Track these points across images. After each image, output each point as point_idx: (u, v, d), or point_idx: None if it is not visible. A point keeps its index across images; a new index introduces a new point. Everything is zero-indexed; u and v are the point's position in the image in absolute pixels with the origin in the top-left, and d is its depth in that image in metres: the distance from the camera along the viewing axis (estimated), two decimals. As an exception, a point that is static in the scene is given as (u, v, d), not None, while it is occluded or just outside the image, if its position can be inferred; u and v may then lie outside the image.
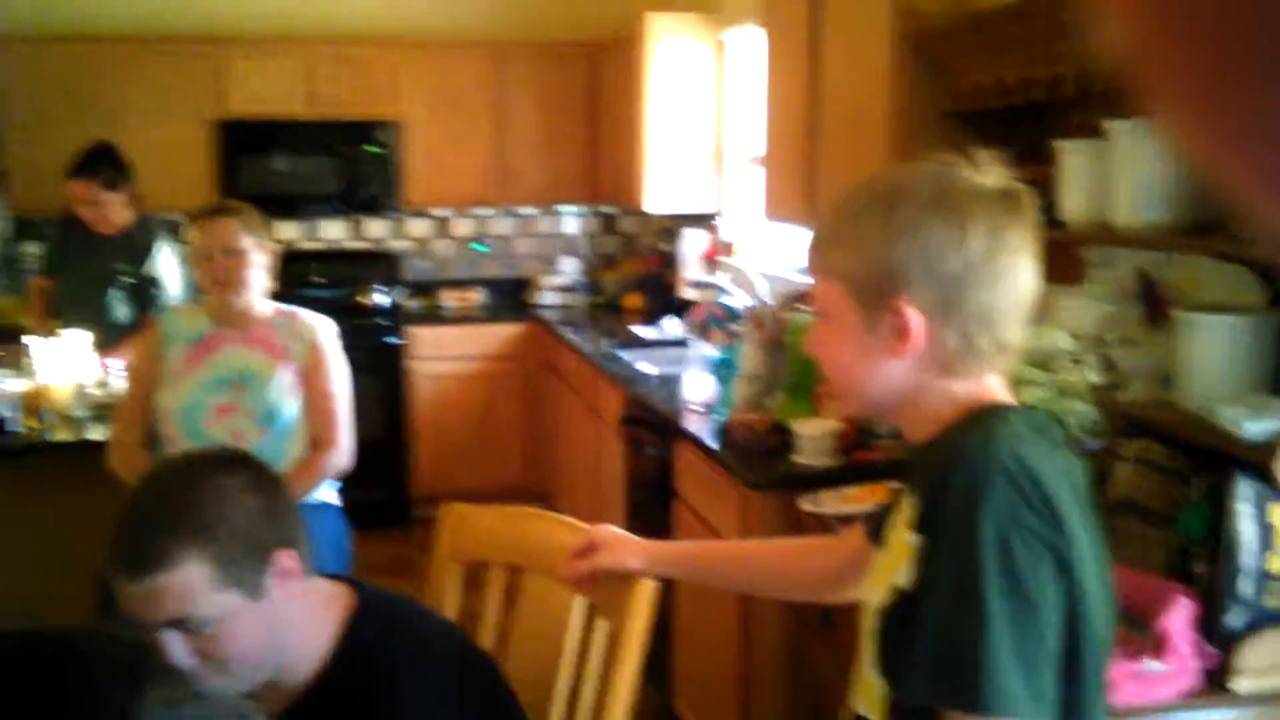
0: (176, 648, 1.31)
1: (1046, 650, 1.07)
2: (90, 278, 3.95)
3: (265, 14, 5.52)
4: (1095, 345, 2.15)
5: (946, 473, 1.13)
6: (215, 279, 2.86)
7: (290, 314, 2.98)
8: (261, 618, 1.36)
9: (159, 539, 1.30)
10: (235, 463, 1.44)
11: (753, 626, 2.77)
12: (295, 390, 2.90)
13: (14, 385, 3.25)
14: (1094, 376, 2.07)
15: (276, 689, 1.43)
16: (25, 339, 3.37)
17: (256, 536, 1.37)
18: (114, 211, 3.94)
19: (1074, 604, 1.09)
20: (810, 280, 1.29)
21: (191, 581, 1.30)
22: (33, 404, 3.25)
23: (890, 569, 1.19)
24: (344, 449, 2.92)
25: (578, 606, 1.79)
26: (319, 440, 2.90)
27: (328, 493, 2.99)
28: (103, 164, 3.92)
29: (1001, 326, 1.18)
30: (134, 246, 3.97)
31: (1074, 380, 2.03)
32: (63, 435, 3.22)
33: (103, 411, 3.28)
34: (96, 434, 3.14)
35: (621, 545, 1.68)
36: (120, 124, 5.13)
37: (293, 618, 1.41)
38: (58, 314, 3.94)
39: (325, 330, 2.97)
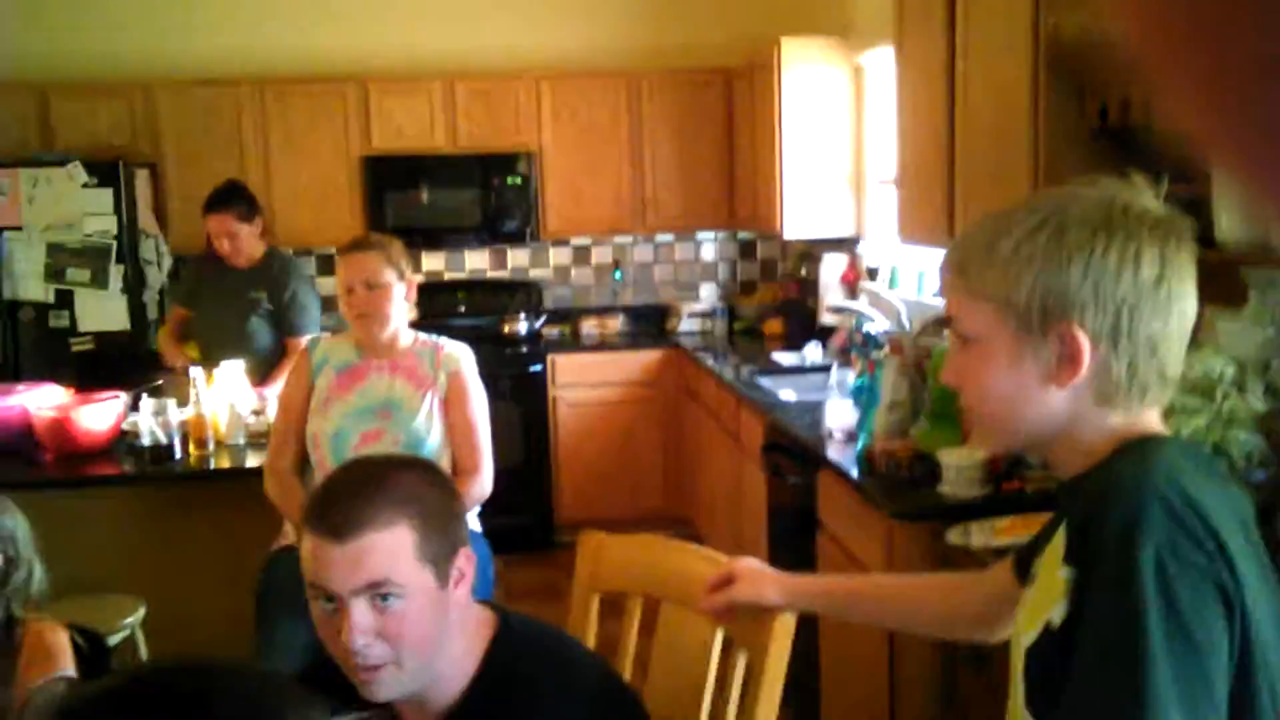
0: (362, 620, 1.33)
1: (1214, 698, 1.00)
2: (229, 309, 4.15)
3: (407, 52, 5.69)
4: (1258, 371, 2.04)
5: (1101, 504, 1.08)
6: (358, 311, 2.94)
7: (433, 344, 3.05)
8: (440, 609, 1.39)
9: (374, 500, 1.36)
10: (420, 461, 1.52)
11: (902, 662, 2.70)
12: (438, 418, 2.96)
13: (179, 415, 3.40)
14: (1258, 403, 1.96)
15: (421, 708, 1.45)
16: (191, 371, 3.52)
17: (449, 524, 1.42)
18: (248, 243, 4.15)
19: (1244, 647, 1.02)
20: (950, 303, 1.24)
21: (398, 546, 1.34)
22: (196, 432, 3.39)
23: (1041, 606, 1.15)
24: (485, 476, 2.97)
25: (716, 639, 1.77)
26: (461, 468, 2.95)
27: (470, 519, 3.04)
28: (236, 198, 4.14)
29: (1166, 357, 1.13)
30: (267, 277, 4.18)
31: (1237, 408, 1.93)
32: (223, 462, 3.35)
33: (260, 439, 3.40)
34: (254, 460, 3.26)
35: (759, 578, 1.66)
36: (270, 163, 5.37)
37: (456, 625, 1.43)
38: (199, 345, 4.18)
39: (466, 359, 3.03)
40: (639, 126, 5.65)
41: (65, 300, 4.95)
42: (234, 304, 4.14)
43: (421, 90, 5.52)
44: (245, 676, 0.86)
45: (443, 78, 5.55)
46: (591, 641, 1.93)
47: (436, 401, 2.96)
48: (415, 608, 1.36)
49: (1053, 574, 1.13)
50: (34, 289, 4.91)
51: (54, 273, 4.92)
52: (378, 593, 1.34)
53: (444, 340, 3.07)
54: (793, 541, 3.45)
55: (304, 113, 5.45)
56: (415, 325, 3.13)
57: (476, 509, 3.07)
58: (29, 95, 5.27)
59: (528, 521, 5.16)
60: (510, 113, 5.56)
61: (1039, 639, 1.13)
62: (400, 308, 2.98)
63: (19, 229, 4.90)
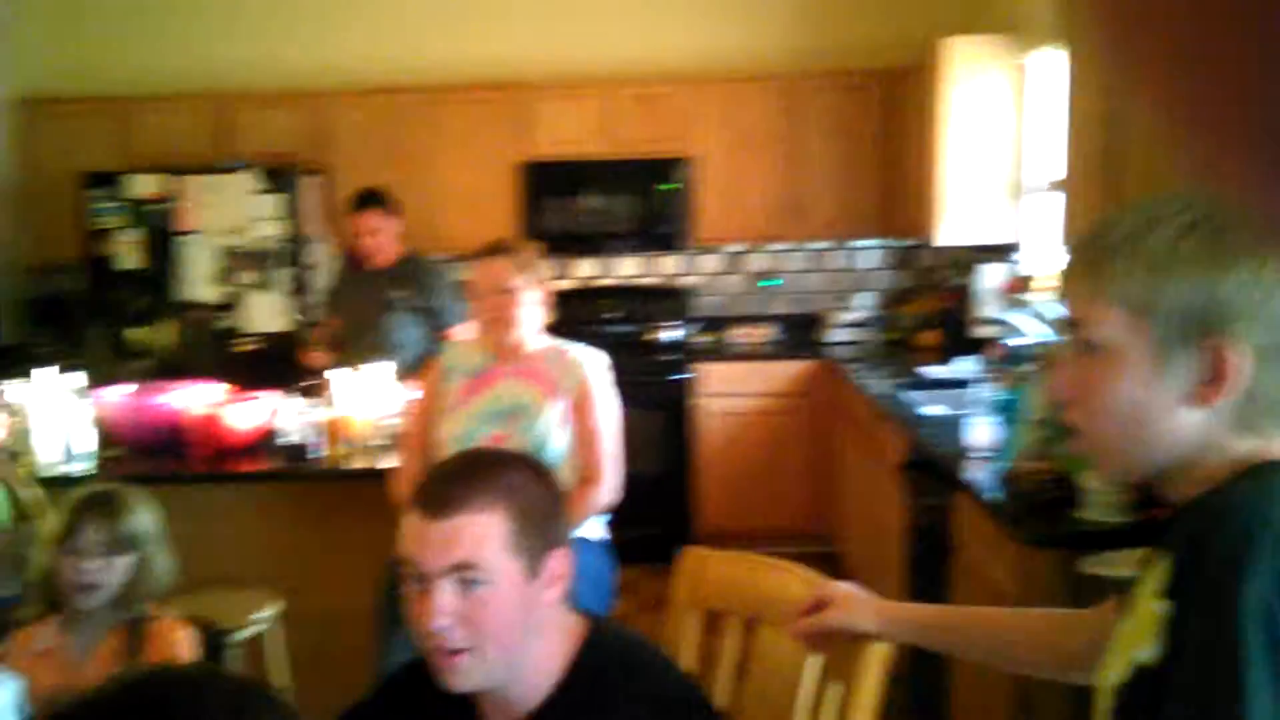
0: (446, 601, 1.33)
1: None
2: (369, 308, 4.31)
3: (566, 59, 5.74)
4: None
5: (1206, 533, 0.97)
6: (489, 316, 2.96)
7: (562, 349, 3.04)
8: (526, 603, 1.38)
9: (472, 484, 1.38)
10: (529, 458, 1.53)
11: (1034, 696, 2.54)
12: (565, 424, 2.94)
13: (318, 415, 3.49)
14: None
15: (503, 708, 1.43)
16: (329, 373, 3.61)
17: (546, 521, 1.42)
18: (389, 241, 4.34)
19: None
20: (1075, 305, 1.11)
21: (490, 530, 1.35)
22: (334, 433, 3.47)
23: (1131, 641, 1.04)
24: (609, 485, 2.94)
25: (811, 665, 1.68)
26: (583, 475, 2.93)
27: (593, 528, 3.01)
28: (380, 197, 4.36)
29: None
30: (406, 275, 4.34)
31: None
32: (358, 463, 3.42)
33: (388, 443, 3.46)
34: (388, 463, 3.31)
35: (853, 604, 1.57)
36: (432, 169, 5.49)
37: (544, 624, 1.42)
38: (343, 346, 4.30)
39: (595, 366, 3.00)
40: (795, 130, 5.55)
41: (232, 302, 5.16)
42: (374, 303, 4.30)
43: (581, 97, 5.56)
44: (223, 684, 0.86)
45: (602, 84, 5.57)
46: (688, 659, 1.87)
47: (564, 407, 2.95)
48: (500, 596, 1.35)
49: (1147, 608, 1.02)
50: (204, 291, 5.15)
51: (223, 275, 5.14)
52: (464, 575, 1.34)
53: (574, 346, 3.05)
54: (929, 565, 3.30)
55: (465, 120, 5.55)
56: (557, 331, 3.12)
57: (604, 518, 3.05)
58: (209, 106, 5.53)
59: (666, 532, 5.11)
60: (668, 118, 5.54)
61: (1129, 678, 1.03)
62: (531, 313, 2.98)
63: (193, 234, 5.14)
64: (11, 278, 5.56)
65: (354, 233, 4.37)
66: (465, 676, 1.36)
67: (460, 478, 1.40)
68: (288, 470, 3.43)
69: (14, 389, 3.61)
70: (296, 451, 3.46)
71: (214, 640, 2.44)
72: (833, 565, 4.79)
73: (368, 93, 5.57)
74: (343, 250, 4.61)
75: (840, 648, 1.60)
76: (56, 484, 3.15)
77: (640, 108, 5.55)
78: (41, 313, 5.55)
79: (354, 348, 4.17)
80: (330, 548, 3.51)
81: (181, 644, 2.31)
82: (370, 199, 4.35)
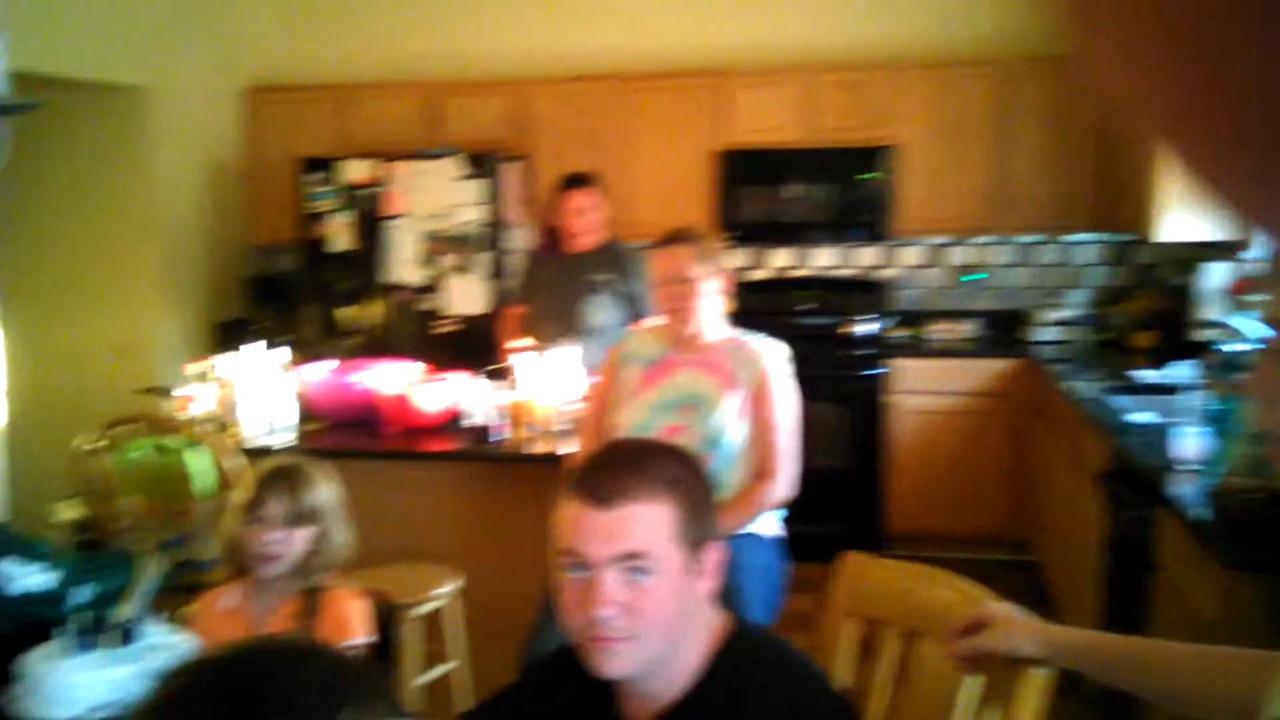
0: (612, 589, 1.35)
1: None
2: (566, 292, 4.28)
3: (766, 45, 5.65)
4: None
5: None
6: (668, 305, 2.94)
7: (741, 341, 2.98)
8: (684, 594, 1.39)
9: (639, 474, 1.39)
10: (682, 449, 1.54)
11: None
12: (741, 416, 2.89)
13: (503, 398, 3.55)
14: None
15: (643, 698, 1.42)
16: (512, 358, 3.67)
17: (705, 514, 1.43)
18: (597, 223, 4.31)
19: None
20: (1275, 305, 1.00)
21: (658, 520, 1.37)
22: (517, 416, 3.53)
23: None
24: (781, 481, 2.87)
25: (969, 686, 1.59)
26: (758, 470, 2.87)
27: (766, 523, 2.95)
28: (589, 179, 4.35)
29: None
30: (609, 259, 4.31)
31: None
32: (539, 447, 3.46)
33: (569, 427, 3.49)
34: (558, 447, 3.34)
35: (1013, 627, 1.47)
36: (628, 157, 5.51)
37: (695, 616, 1.42)
38: (536, 331, 4.27)
39: (775, 358, 2.94)
40: (1006, 118, 5.30)
41: (434, 284, 5.33)
42: (574, 287, 4.28)
43: (781, 83, 5.47)
44: (327, 661, 0.87)
45: (803, 70, 5.46)
46: (841, 667, 1.80)
47: (741, 399, 2.90)
48: (664, 586, 1.36)
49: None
50: (408, 273, 5.33)
51: (426, 258, 5.31)
52: (632, 564, 1.35)
53: (754, 337, 3.00)
54: (1126, 582, 3.09)
55: (663, 107, 5.55)
56: (749, 321, 3.08)
57: (778, 514, 2.99)
58: (419, 94, 5.72)
59: (851, 530, 4.98)
60: (870, 105, 5.39)
61: None
62: (710, 303, 2.94)
63: (400, 217, 5.33)
64: (235, 256, 5.90)
65: (560, 213, 4.35)
66: (620, 661, 1.37)
67: (625, 467, 1.40)
68: (470, 451, 3.50)
69: (225, 362, 3.82)
70: (480, 433, 3.53)
71: (389, 613, 2.50)
72: (1027, 574, 4.57)
73: (569, 80, 5.64)
74: (542, 233, 4.58)
75: (999, 670, 1.50)
76: (259, 455, 3.31)
77: (842, 94, 5.41)
78: (261, 290, 5.87)
79: (550, 331, 4.17)
80: (509, 529, 3.57)
81: (354, 614, 2.38)
82: (580, 179, 4.34)
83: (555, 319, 4.25)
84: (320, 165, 5.39)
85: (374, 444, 3.59)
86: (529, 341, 4.18)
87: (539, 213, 4.92)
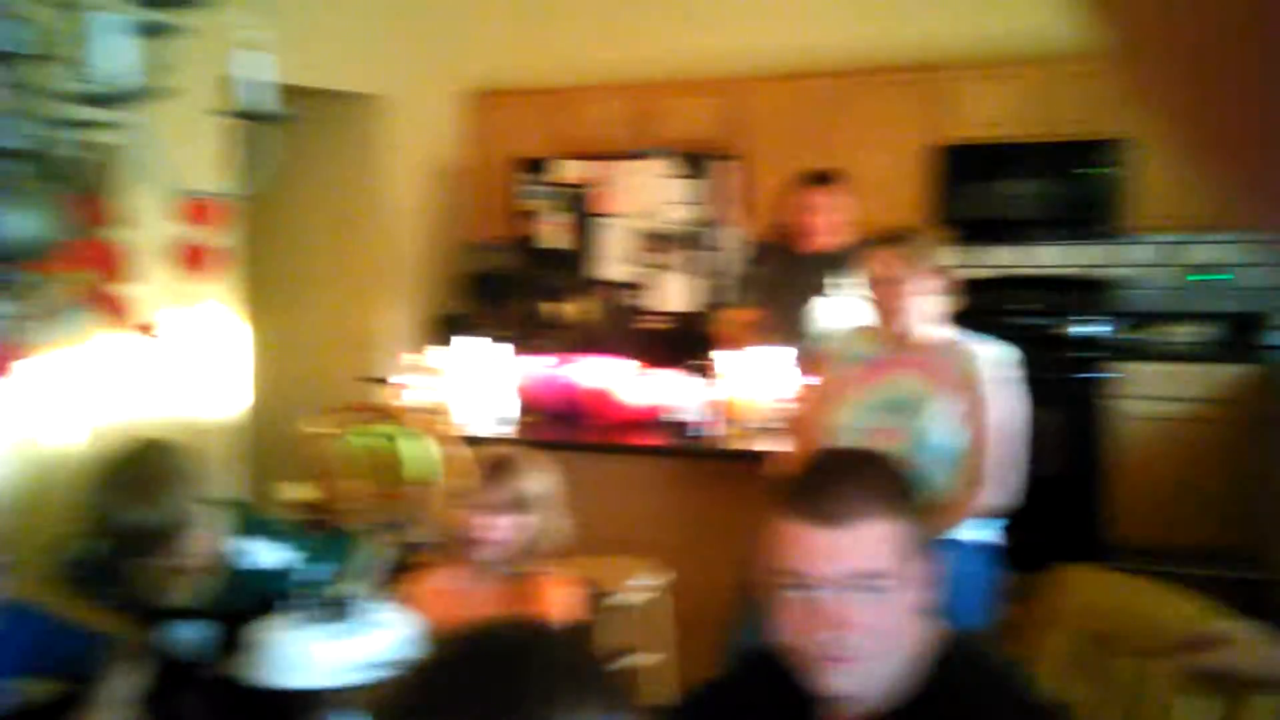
0: (841, 610, 1.33)
1: None
2: (800, 294, 4.07)
3: (985, 37, 5.47)
4: None
5: None
6: (881, 305, 2.89)
7: (959, 342, 2.90)
8: (909, 608, 1.37)
9: (862, 489, 1.38)
10: (891, 459, 1.52)
11: None
12: (955, 420, 2.81)
13: (710, 394, 3.57)
14: None
15: (853, 709, 1.40)
16: (715, 354, 3.68)
17: (919, 526, 1.41)
18: (837, 223, 4.08)
19: None
20: None
21: (885, 537, 1.35)
22: (724, 413, 3.54)
23: None
24: (994, 489, 2.77)
25: (1196, 706, 1.50)
26: (967, 476, 2.79)
27: (977, 531, 2.86)
28: (830, 176, 4.15)
29: None
30: (843, 263, 4.08)
31: None
32: (744, 444, 3.46)
33: (777, 425, 3.47)
34: (764, 445, 3.33)
35: (1244, 647, 1.38)
36: (839, 152, 5.41)
37: (908, 629, 1.39)
38: (764, 330, 4.11)
39: (994, 361, 2.84)
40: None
41: (643, 281, 5.40)
42: (806, 289, 4.06)
43: (1002, 77, 5.28)
44: (573, 648, 0.89)
45: (1027, 62, 5.25)
46: (1056, 680, 1.73)
47: (954, 402, 2.82)
48: (893, 602, 1.34)
49: None
50: (617, 270, 5.42)
51: (637, 257, 5.39)
52: (862, 584, 1.33)
53: (973, 339, 2.91)
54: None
55: (878, 104, 5.45)
56: (966, 322, 2.99)
57: (995, 522, 2.89)
58: (631, 96, 5.81)
59: (1066, 539, 4.75)
60: (1100, 96, 5.12)
61: None
62: (922, 303, 2.87)
63: (611, 216, 5.43)
64: (453, 253, 6.15)
65: (797, 210, 4.17)
66: (846, 681, 1.36)
67: (846, 484, 1.38)
68: (676, 446, 3.54)
69: (447, 354, 3.99)
70: (686, 429, 3.56)
71: (596, 602, 2.55)
72: (1256, 591, 4.28)
73: (781, 78, 5.61)
74: (775, 232, 4.40)
75: (1228, 692, 1.41)
76: (474, 444, 3.44)
77: (1070, 86, 5.17)
78: (476, 286, 6.09)
79: (777, 333, 3.99)
80: (713, 524, 3.59)
81: (565, 600, 2.44)
82: (822, 177, 4.16)
83: (781, 319, 4.06)
84: (535, 166, 5.55)
85: (584, 437, 3.67)
86: (753, 342, 4.09)
87: (772, 209, 4.69)
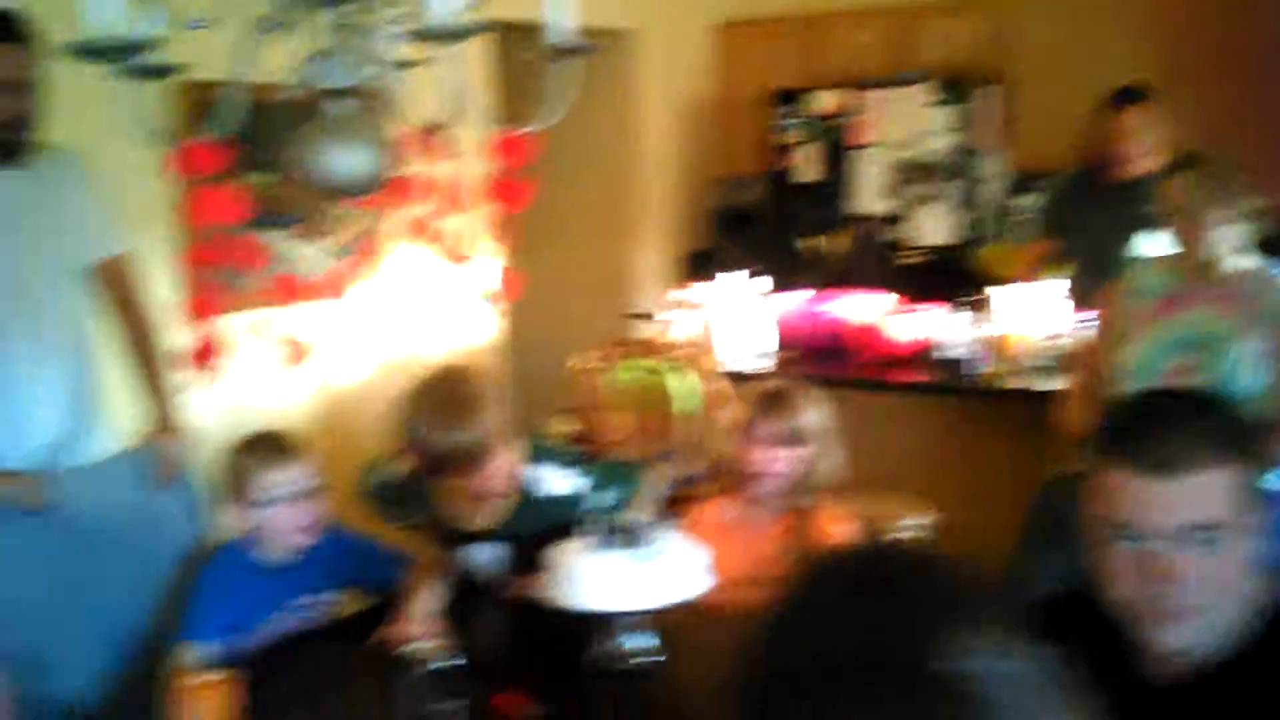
0: (1182, 562, 1.27)
1: None
2: (1109, 227, 3.73)
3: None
4: None
5: None
6: (1180, 236, 2.71)
7: (1263, 273, 2.69)
8: (1248, 559, 1.30)
9: (1203, 435, 1.31)
10: (1222, 398, 1.47)
11: None
12: (1264, 358, 2.62)
13: (982, 330, 3.44)
14: None
15: (1177, 659, 1.33)
16: (990, 289, 3.53)
17: (1255, 471, 1.35)
18: (1153, 145, 3.73)
19: None
20: None
21: (1225, 486, 1.29)
22: (997, 350, 3.41)
23: None
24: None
25: None
26: (1277, 420, 2.59)
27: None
28: (1141, 93, 3.82)
29: None
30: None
31: None
32: (1017, 383, 3.33)
33: (1058, 364, 3.31)
34: (1043, 385, 3.19)
35: None
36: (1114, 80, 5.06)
37: (1241, 582, 1.32)
38: (1071, 267, 3.83)
39: None
40: None
41: (901, 214, 5.25)
42: (1118, 220, 3.67)
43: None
44: (964, 579, 0.85)
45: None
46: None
47: (1262, 340, 2.62)
48: (1233, 553, 1.28)
49: None
50: (874, 203, 5.29)
51: (893, 188, 5.24)
52: (1196, 536, 1.27)
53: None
54: None
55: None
56: (1272, 251, 2.77)
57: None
58: (887, 20, 5.60)
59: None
60: None
61: None
62: (1229, 232, 2.67)
63: (867, 147, 5.28)
64: (704, 189, 6.13)
65: (1109, 135, 3.84)
66: (1181, 635, 1.30)
67: (1181, 430, 1.30)
68: (945, 384, 3.44)
69: (705, 290, 4.00)
70: (955, 366, 3.45)
71: (872, 539, 2.53)
72: None
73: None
74: (1085, 160, 4.02)
75: None
76: (738, 379, 3.44)
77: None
78: (726, 221, 6.06)
79: (1088, 271, 3.66)
80: (981, 463, 3.48)
81: (843, 535, 2.42)
82: (1133, 94, 3.82)
83: (1096, 257, 3.67)
84: (789, 97, 5.45)
85: (847, 373, 3.61)
86: (1041, 277, 3.78)
87: (1082, 134, 4.16)
